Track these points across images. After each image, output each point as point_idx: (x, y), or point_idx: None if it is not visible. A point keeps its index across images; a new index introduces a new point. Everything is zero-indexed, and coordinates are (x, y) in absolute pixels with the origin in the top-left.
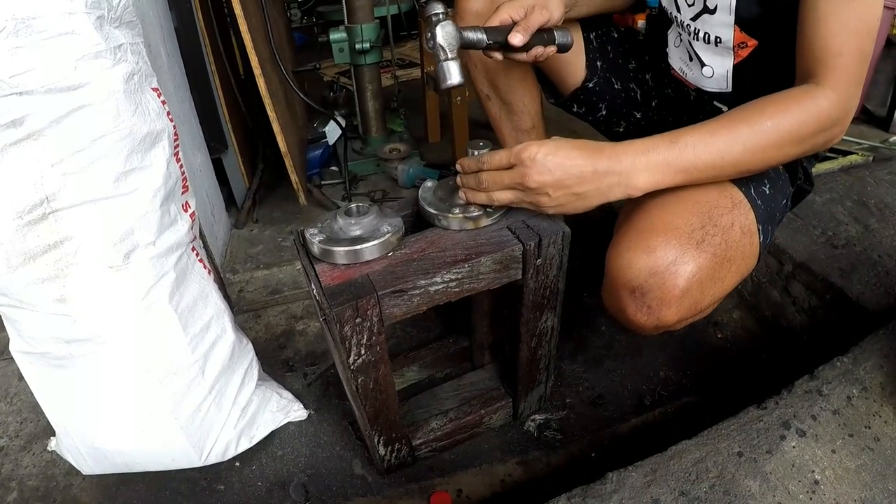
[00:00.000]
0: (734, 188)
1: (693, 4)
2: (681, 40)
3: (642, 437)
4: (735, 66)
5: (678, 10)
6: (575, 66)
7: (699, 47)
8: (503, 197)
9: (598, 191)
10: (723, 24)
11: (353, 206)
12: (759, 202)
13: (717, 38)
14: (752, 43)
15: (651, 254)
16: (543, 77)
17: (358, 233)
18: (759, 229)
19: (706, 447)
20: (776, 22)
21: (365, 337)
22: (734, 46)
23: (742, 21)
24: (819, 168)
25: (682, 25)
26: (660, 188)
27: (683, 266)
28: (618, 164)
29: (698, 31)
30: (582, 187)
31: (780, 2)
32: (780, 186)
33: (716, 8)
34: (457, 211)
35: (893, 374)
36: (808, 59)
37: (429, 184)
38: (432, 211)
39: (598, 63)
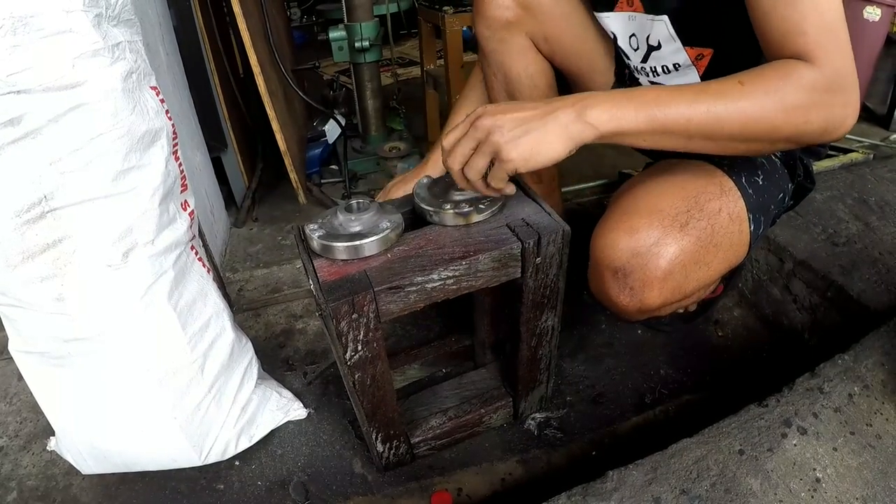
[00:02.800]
0: (724, 176)
1: (638, 48)
2: (646, 81)
3: (643, 435)
4: (702, 77)
5: (628, 58)
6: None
7: (663, 79)
8: (474, 166)
9: (556, 122)
10: (673, 52)
11: (354, 202)
12: (749, 191)
13: (674, 64)
14: (708, 52)
15: (634, 234)
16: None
17: (357, 229)
18: (749, 217)
19: (707, 445)
20: (720, 25)
21: (362, 333)
22: (693, 62)
23: (689, 40)
24: (820, 166)
25: (638, 70)
26: (622, 128)
27: (666, 248)
28: (572, 97)
29: (654, 67)
30: (536, 121)
31: (715, 8)
32: (775, 179)
33: (659, 43)
34: (448, 207)
35: (895, 371)
36: (773, 49)
37: (424, 180)
38: (425, 207)
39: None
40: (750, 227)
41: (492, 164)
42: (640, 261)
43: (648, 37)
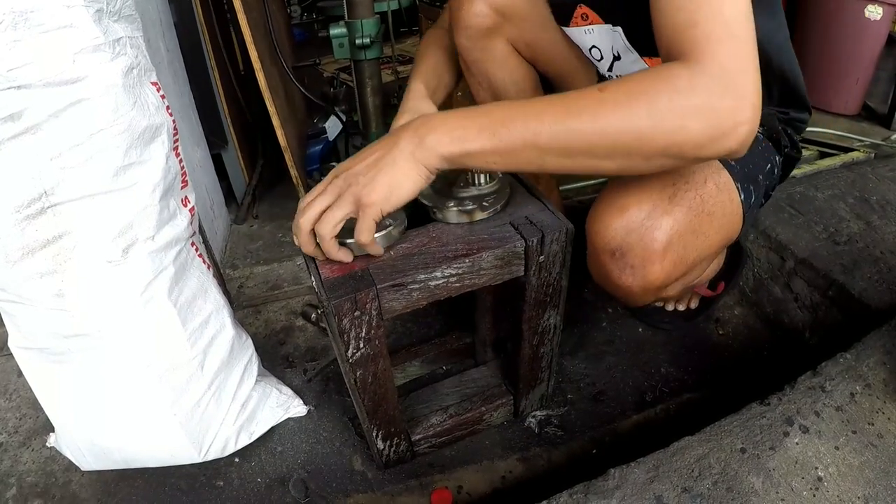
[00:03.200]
0: None
1: (602, 59)
2: None
3: (644, 433)
4: None
5: (598, 61)
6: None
7: None
8: (329, 220)
9: (401, 154)
10: (632, 62)
11: None
12: (732, 163)
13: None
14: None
15: (624, 213)
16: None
17: None
18: (738, 187)
19: (709, 443)
20: None
21: (364, 330)
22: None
23: (644, 50)
24: (820, 164)
25: (606, 78)
26: (466, 149)
27: (659, 220)
28: (414, 123)
29: (619, 76)
30: (384, 158)
31: None
32: (759, 151)
33: (618, 54)
34: (451, 204)
35: None
36: (664, 48)
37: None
38: (427, 203)
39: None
40: (740, 196)
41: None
42: (635, 237)
43: (612, 47)
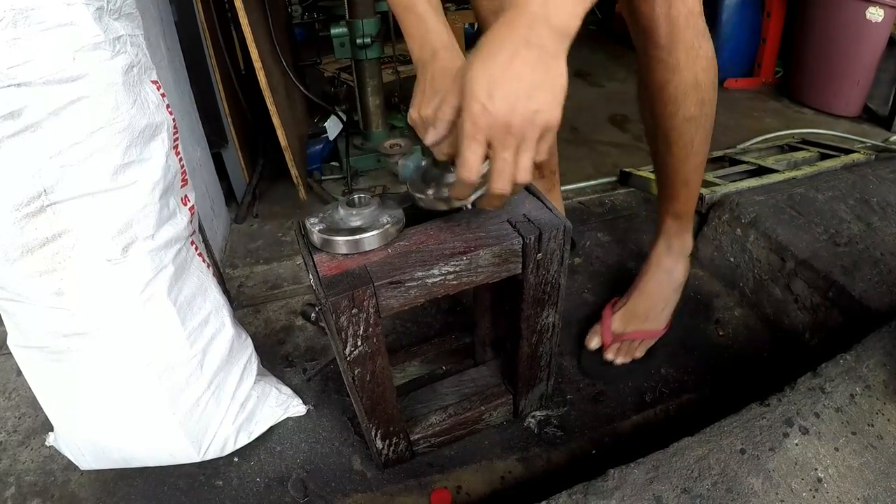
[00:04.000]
0: None
1: None
2: None
3: (643, 434)
4: None
5: None
6: None
7: None
8: (469, 154)
9: (528, 45)
10: None
11: (355, 196)
12: None
13: None
14: None
15: None
16: None
17: (358, 223)
18: None
19: (709, 444)
20: None
21: (361, 328)
22: None
23: None
24: (821, 166)
25: None
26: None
27: None
28: (524, 12)
29: None
30: (514, 58)
31: None
32: None
33: None
34: (430, 192)
35: None
36: None
37: (409, 163)
38: (411, 190)
39: None
40: None
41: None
42: None
43: None
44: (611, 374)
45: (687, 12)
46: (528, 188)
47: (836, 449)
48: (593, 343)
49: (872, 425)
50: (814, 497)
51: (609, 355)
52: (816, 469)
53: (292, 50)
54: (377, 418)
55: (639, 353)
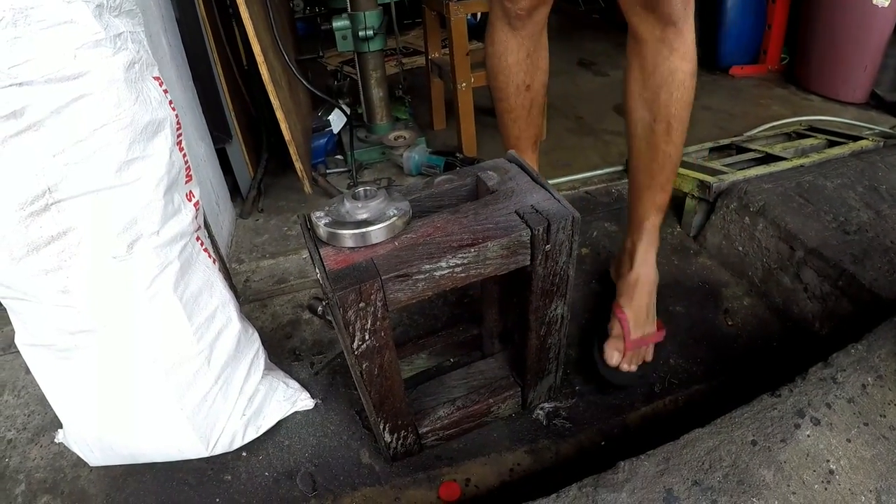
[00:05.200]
0: None
1: None
2: None
3: (653, 425)
4: None
5: None
6: None
7: None
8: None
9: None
10: None
11: (361, 189)
12: None
13: None
14: None
15: None
16: None
17: (364, 216)
18: None
19: (719, 436)
20: None
21: (369, 322)
22: None
23: None
24: (829, 153)
25: None
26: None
27: None
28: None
29: None
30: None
31: None
32: None
33: None
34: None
35: None
36: None
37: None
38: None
39: None
40: None
41: None
42: None
43: None
44: (628, 378)
45: None
46: (535, 179)
47: (848, 440)
48: (615, 359)
49: (885, 416)
50: (826, 489)
51: (624, 365)
52: (828, 461)
53: (294, 44)
54: (385, 412)
55: (649, 357)
